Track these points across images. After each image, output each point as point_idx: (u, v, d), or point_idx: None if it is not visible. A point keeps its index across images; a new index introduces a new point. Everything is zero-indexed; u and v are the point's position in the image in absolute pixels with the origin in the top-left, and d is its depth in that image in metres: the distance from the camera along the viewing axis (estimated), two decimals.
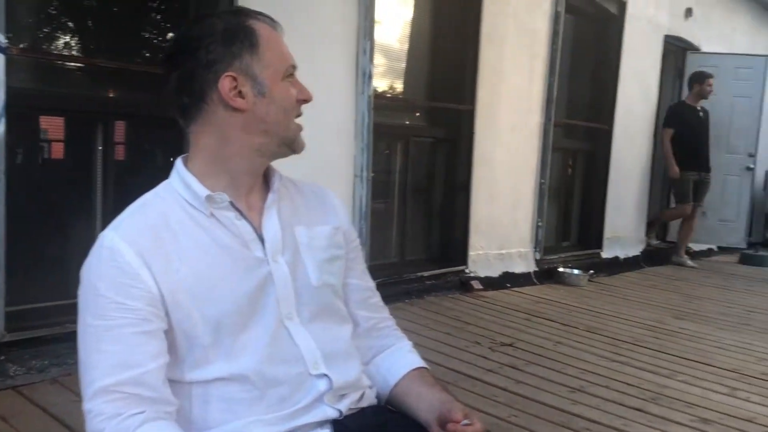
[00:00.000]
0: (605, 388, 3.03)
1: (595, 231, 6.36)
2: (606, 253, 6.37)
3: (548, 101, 5.46)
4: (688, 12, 7.20)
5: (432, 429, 1.16)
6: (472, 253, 4.92)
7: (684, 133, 6.53)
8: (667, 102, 7.34)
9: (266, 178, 1.21)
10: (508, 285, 5.08)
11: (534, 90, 5.38)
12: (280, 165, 1.23)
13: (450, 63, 4.81)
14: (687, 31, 7.24)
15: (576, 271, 5.54)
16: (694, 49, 7.46)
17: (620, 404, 2.84)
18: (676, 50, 7.41)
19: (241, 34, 1.12)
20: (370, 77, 3.97)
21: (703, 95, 6.66)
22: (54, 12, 3.28)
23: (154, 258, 1.06)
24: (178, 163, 1.17)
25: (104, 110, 3.14)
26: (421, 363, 1.30)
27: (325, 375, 1.14)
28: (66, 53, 3.21)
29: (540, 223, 5.53)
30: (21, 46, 2.92)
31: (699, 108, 6.70)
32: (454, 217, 4.92)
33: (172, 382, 1.07)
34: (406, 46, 4.82)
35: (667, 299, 5.17)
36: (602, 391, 2.98)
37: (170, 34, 3.55)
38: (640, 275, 6.27)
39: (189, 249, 1.09)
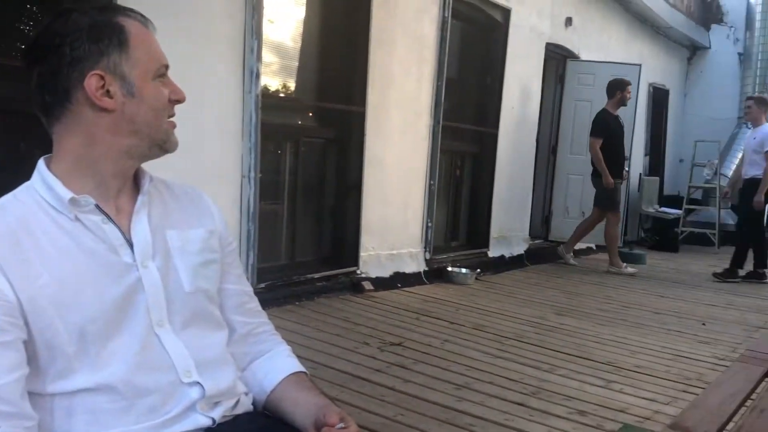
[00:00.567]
0: (489, 383, 3.12)
1: (482, 231, 6.55)
2: (492, 252, 6.58)
3: (437, 105, 5.58)
4: (568, 21, 7.54)
5: None
6: (363, 253, 4.95)
7: (612, 142, 6.66)
8: (548, 106, 7.66)
9: (136, 180, 1.17)
10: (399, 285, 5.14)
11: (423, 94, 5.49)
12: (160, 164, 1.19)
13: (341, 65, 4.83)
14: (567, 40, 7.59)
15: (464, 270, 5.69)
16: (574, 56, 7.83)
17: (503, 399, 2.93)
18: (557, 57, 7.75)
19: (108, 30, 1.07)
20: (257, 76, 3.92)
21: (624, 102, 6.81)
22: None
23: (11, 264, 1.00)
24: (41, 164, 1.11)
25: None
26: (298, 367, 1.29)
27: (198, 383, 1.11)
28: None
29: (429, 224, 5.64)
30: None
31: (618, 115, 6.82)
32: (345, 218, 4.94)
33: (32, 395, 1.01)
34: (297, 46, 4.79)
35: (549, 296, 5.39)
36: (486, 387, 3.06)
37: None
38: (524, 273, 6.51)
39: (51, 254, 1.04)
